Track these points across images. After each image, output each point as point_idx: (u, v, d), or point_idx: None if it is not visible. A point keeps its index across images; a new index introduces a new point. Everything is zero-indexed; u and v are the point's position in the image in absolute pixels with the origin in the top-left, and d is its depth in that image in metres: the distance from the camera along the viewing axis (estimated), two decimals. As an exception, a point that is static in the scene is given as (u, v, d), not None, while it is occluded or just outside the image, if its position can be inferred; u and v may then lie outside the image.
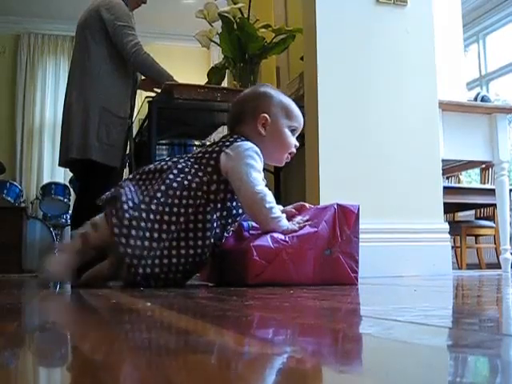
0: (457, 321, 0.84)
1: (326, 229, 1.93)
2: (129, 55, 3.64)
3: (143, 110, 3.79)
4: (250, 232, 2.02)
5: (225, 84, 4.23)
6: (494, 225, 5.87)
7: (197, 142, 4.96)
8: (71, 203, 7.05)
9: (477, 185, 6.37)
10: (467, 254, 5.85)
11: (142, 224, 1.85)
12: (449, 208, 4.82)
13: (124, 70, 3.76)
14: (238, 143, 1.99)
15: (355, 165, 3.16)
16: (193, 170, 1.95)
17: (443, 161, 3.36)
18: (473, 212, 6.28)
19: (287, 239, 1.86)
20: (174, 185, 1.92)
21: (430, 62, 3.40)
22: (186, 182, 1.93)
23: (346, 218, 1.96)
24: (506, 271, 3.55)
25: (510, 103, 3.98)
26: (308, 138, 3.32)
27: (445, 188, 3.41)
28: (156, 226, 1.87)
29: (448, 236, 3.27)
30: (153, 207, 1.88)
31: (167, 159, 2.06)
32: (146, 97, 3.64)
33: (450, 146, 3.44)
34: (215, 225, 1.98)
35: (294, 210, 2.12)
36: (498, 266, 5.56)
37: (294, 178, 3.87)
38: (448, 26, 4.23)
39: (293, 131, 2.13)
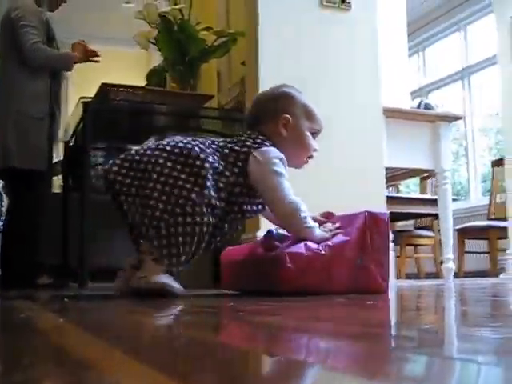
0: (395, 335, 0.74)
1: (358, 237, 1.91)
2: (26, 56, 3.56)
3: (78, 111, 3.64)
4: (281, 242, 1.98)
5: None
6: (433, 234, 5.89)
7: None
8: (3, 209, 6.80)
9: (417, 195, 6.39)
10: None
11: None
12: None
13: (39, 70, 3.65)
14: (266, 148, 1.95)
15: (298, 171, 3.08)
16: (220, 168, 1.88)
17: (385, 169, 3.31)
18: (410, 222, 6.30)
19: (320, 248, 1.84)
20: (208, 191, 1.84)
21: (374, 67, 3.35)
22: (213, 183, 1.86)
23: (376, 226, 1.94)
24: (449, 281, 3.52)
25: (453, 112, 4.00)
26: (249, 143, 3.23)
27: (386, 197, 3.35)
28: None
29: (392, 244, 3.22)
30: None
31: (193, 143, 1.93)
32: (81, 97, 3.49)
33: (392, 154, 3.38)
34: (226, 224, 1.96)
35: (321, 218, 2.07)
36: (435, 275, 5.58)
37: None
38: (393, 35, 4.20)
39: (313, 134, 2.10)
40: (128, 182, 1.84)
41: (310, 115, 2.10)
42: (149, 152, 1.89)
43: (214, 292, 2.18)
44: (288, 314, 1.17)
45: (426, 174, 5.32)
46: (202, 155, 1.85)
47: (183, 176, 1.81)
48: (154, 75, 3.92)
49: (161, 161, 1.84)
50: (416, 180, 6.72)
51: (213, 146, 1.95)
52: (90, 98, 3.43)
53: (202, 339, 0.73)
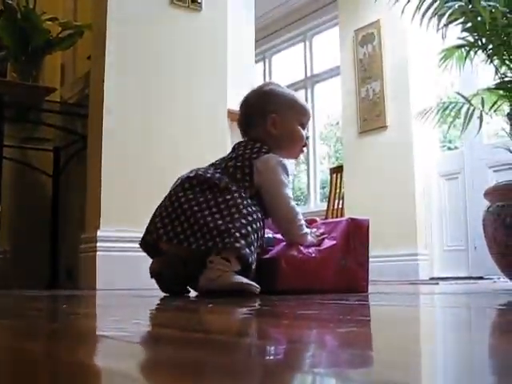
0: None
1: (342, 241, 2.10)
2: None
3: None
4: (272, 246, 2.10)
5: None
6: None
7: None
8: None
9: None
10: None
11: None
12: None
13: None
14: (265, 156, 2.03)
15: (140, 170, 3.05)
16: (234, 188, 1.93)
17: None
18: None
19: (311, 251, 2.03)
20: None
21: (222, 68, 3.40)
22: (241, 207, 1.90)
23: (358, 231, 2.14)
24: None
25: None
26: (91, 141, 3.17)
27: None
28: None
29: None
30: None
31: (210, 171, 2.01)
32: None
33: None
34: None
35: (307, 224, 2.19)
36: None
37: (74, 182, 3.67)
38: (240, 40, 4.27)
39: (302, 125, 2.19)
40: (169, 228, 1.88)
41: (295, 108, 2.18)
42: (173, 193, 1.95)
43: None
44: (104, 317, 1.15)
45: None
46: (223, 183, 1.92)
47: (220, 199, 1.87)
48: (-7, 65, 3.75)
49: (190, 196, 1.89)
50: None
51: (218, 170, 2.01)
52: None
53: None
